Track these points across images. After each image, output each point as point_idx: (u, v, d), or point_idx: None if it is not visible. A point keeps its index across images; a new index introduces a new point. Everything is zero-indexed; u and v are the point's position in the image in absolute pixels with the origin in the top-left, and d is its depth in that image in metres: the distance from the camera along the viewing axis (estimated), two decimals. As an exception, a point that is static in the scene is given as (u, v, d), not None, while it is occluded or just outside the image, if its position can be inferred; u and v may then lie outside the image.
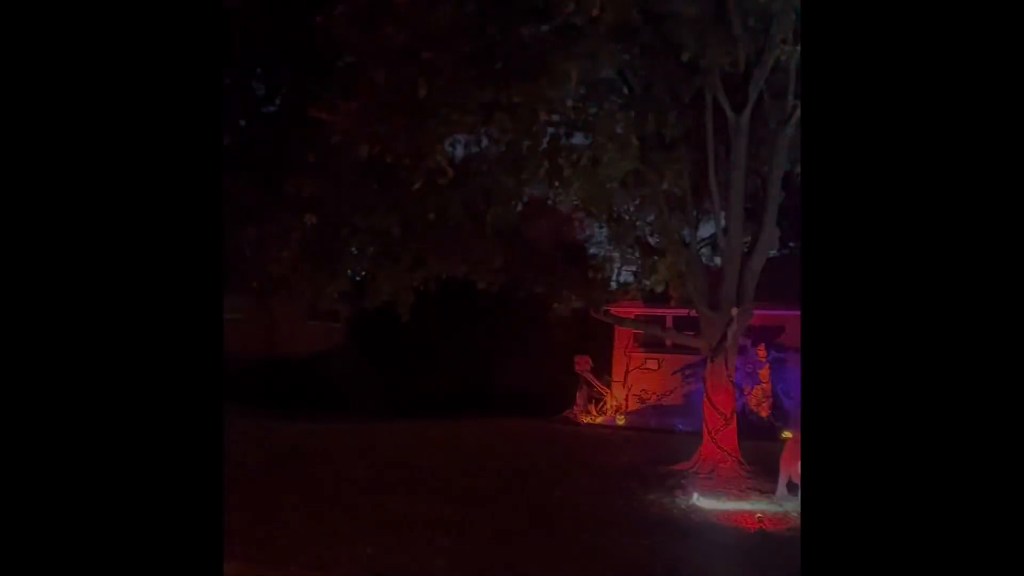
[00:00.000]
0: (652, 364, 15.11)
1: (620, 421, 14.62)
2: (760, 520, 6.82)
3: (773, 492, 7.98)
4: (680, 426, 13.05)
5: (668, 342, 14.08)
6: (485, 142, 8.90)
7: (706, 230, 11.24)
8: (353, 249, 9.33)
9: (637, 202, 10.26)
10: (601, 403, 15.15)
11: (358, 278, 10.42)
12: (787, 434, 9.82)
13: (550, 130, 8.92)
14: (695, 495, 7.57)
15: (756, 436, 10.93)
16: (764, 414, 13.14)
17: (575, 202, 9.36)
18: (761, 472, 8.73)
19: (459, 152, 8.99)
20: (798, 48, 8.43)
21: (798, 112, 8.89)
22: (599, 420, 14.75)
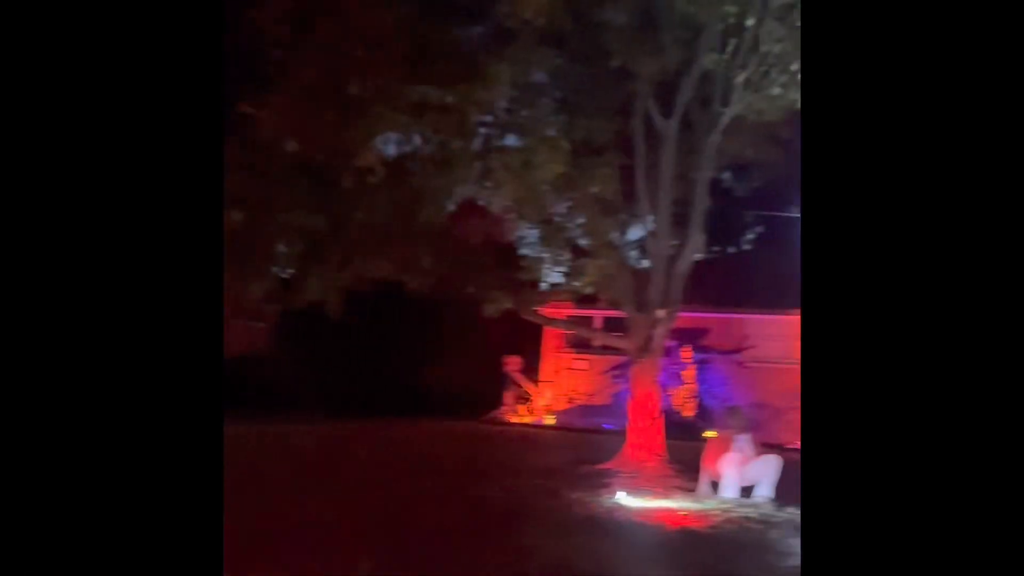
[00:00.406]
0: (581, 364, 15.32)
1: (548, 421, 14.75)
2: (682, 517, 6.98)
3: (695, 490, 8.18)
4: (607, 425, 13.25)
5: (597, 343, 14.29)
6: (417, 142, 8.88)
7: (635, 233, 11.44)
8: (280, 247, 9.18)
9: (568, 205, 10.37)
10: (530, 403, 15.26)
11: (285, 277, 10.25)
12: (709, 433, 10.07)
13: (482, 131, 8.96)
14: (620, 494, 7.69)
15: (680, 435, 11.18)
16: (688, 414, 13.45)
17: (507, 204, 9.41)
18: (685, 471, 8.94)
19: (390, 151, 8.94)
20: (724, 58, 8.68)
21: (724, 120, 9.14)
22: (527, 420, 14.86)
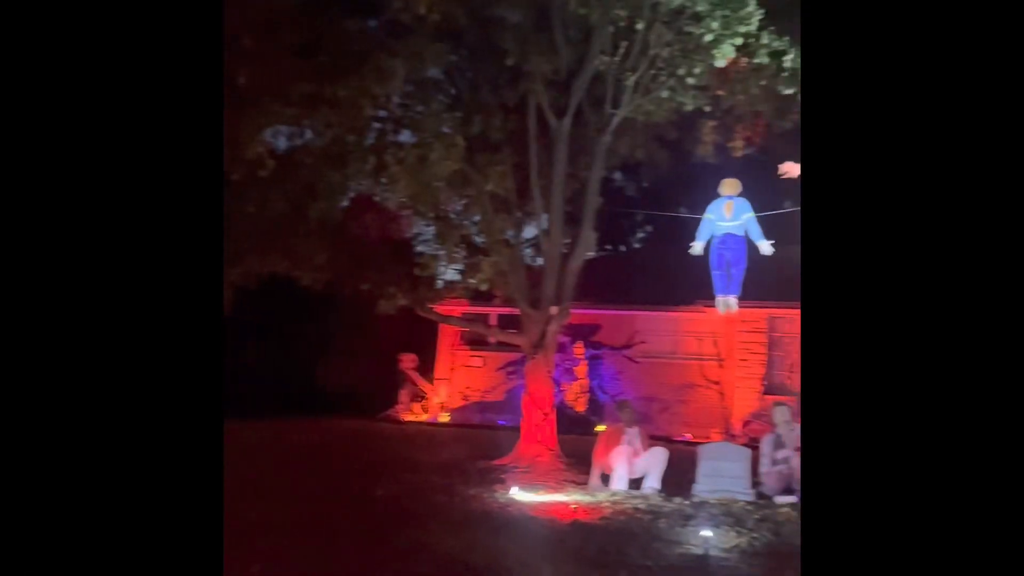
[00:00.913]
0: (476, 361, 15.35)
1: (444, 418, 14.73)
2: (574, 510, 7.12)
3: (587, 483, 8.36)
4: (502, 421, 13.34)
5: (492, 340, 14.36)
6: (309, 135, 8.69)
7: (529, 231, 11.58)
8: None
9: (463, 202, 10.39)
10: (425, 401, 15.20)
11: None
12: (600, 427, 10.30)
13: (376, 126, 8.86)
14: (513, 489, 7.78)
15: (573, 430, 11.39)
16: (580, 409, 13.70)
17: (402, 199, 9.34)
18: (577, 464, 9.11)
19: (281, 144, 8.72)
20: (615, 60, 8.88)
21: (615, 121, 9.36)
22: (423, 418, 14.80)
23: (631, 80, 8.80)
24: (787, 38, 7.61)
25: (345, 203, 9.65)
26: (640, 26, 8.35)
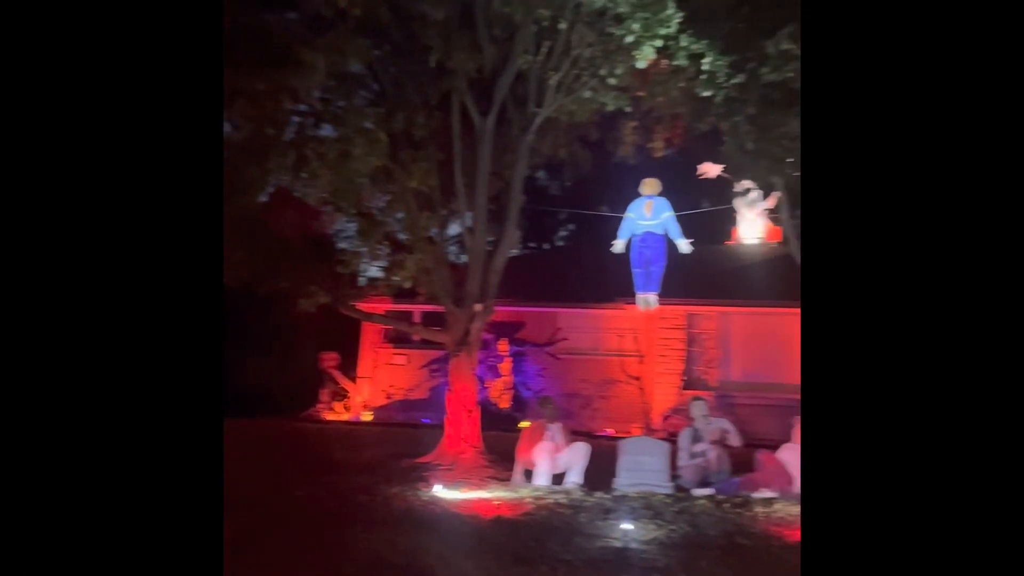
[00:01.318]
0: (399, 359, 15.24)
1: (366, 417, 14.58)
2: (497, 506, 7.16)
3: (510, 479, 8.40)
4: (425, 420, 13.29)
5: (415, 337, 14.28)
6: (227, 128, 8.47)
7: (453, 229, 11.56)
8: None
9: (387, 198, 10.30)
10: (347, 400, 15.01)
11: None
12: (524, 424, 10.38)
13: (296, 120, 8.70)
14: (436, 486, 7.76)
15: (497, 427, 11.43)
16: (504, 406, 13.76)
17: (323, 195, 9.20)
18: (500, 461, 9.15)
19: (197, 137, 8.46)
20: (539, 59, 8.95)
21: (538, 120, 9.43)
22: (345, 417, 14.61)
23: (554, 80, 8.88)
24: (705, 41, 7.81)
25: (264, 198, 9.44)
26: (563, 26, 8.44)
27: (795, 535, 6.22)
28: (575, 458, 8.32)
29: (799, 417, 8.70)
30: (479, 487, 8.10)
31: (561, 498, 7.44)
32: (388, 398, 15.11)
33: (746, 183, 11.78)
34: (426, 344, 13.83)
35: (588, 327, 14.73)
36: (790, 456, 8.27)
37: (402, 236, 10.54)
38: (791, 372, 13.75)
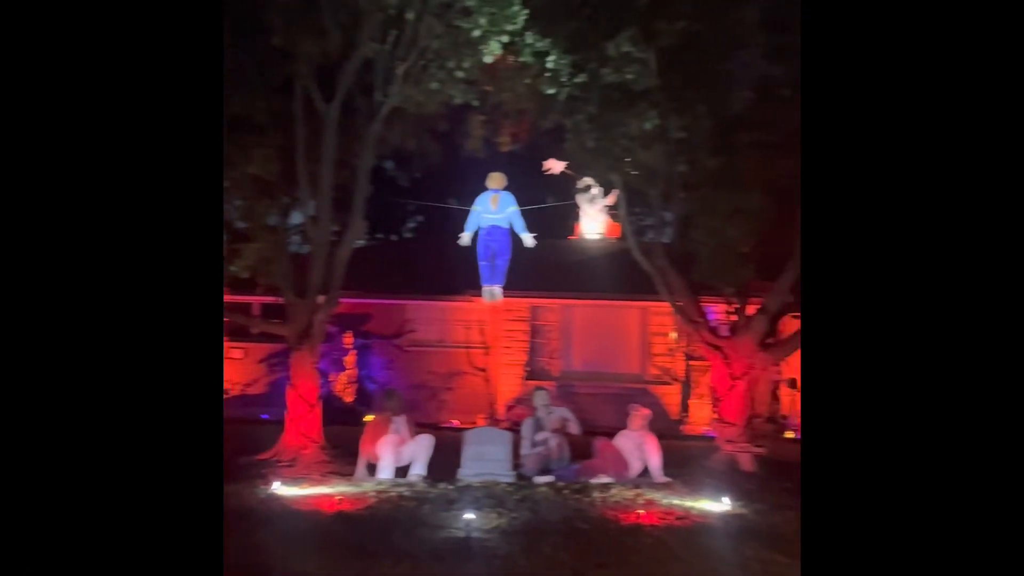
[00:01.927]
0: (237, 353, 14.61)
1: (201, 414, 13.90)
2: (339, 501, 7.03)
3: (352, 474, 8.28)
4: (265, 415, 12.84)
5: (254, 330, 13.75)
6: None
7: (296, 218, 11.20)
8: None
9: (224, 185, 9.83)
10: (180, 396, 14.26)
11: None
12: (368, 417, 10.24)
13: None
14: (276, 483, 7.53)
15: (341, 421, 11.21)
16: (349, 399, 13.53)
17: (153, 179, 8.63)
18: (343, 455, 8.99)
19: None
20: (386, 48, 8.83)
21: (385, 109, 9.30)
22: (178, 414, 13.87)
23: (401, 69, 8.78)
24: (549, 40, 7.98)
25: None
26: (410, 16, 8.36)
27: (630, 518, 6.53)
28: (419, 450, 8.31)
29: (635, 405, 9.12)
30: (320, 483, 7.93)
31: (404, 491, 7.42)
32: (225, 393, 14.48)
33: (587, 180, 12.15)
34: (266, 337, 13.35)
35: (435, 319, 14.73)
36: (626, 443, 8.66)
37: (240, 224, 10.11)
38: (628, 362, 14.38)
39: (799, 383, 14.04)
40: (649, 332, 14.21)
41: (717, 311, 11.55)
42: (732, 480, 8.41)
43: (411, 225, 23.73)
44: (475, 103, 9.49)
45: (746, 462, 9.27)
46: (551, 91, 8.36)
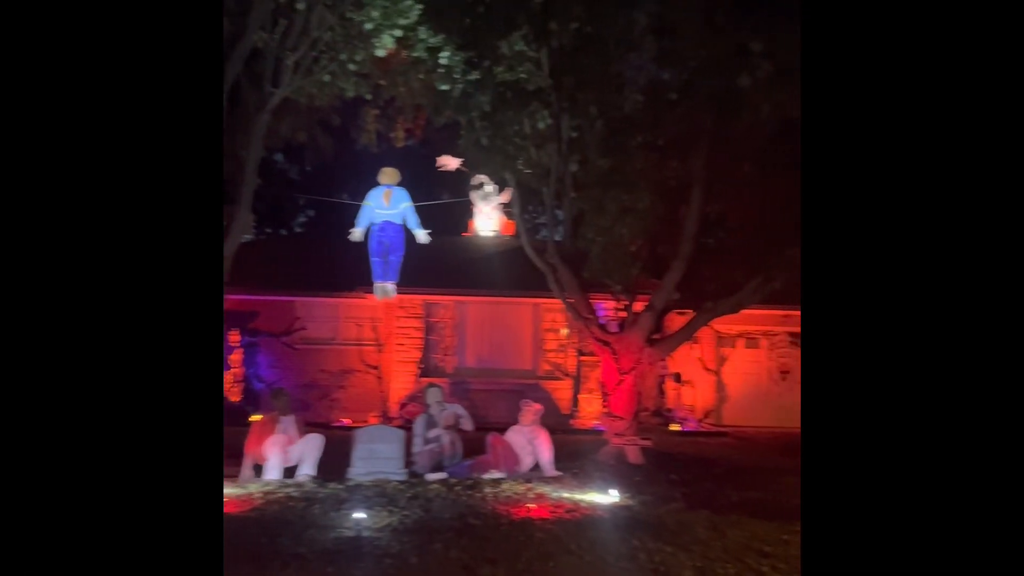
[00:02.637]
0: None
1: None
2: (224, 505, 6.81)
3: (238, 476, 8.03)
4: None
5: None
6: None
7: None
8: None
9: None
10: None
11: None
12: (255, 417, 9.95)
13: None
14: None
15: (227, 422, 10.83)
16: (235, 399, 13.12)
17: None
18: (227, 457, 8.68)
19: None
20: (275, 37, 8.58)
21: (274, 100, 9.04)
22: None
23: (291, 60, 8.57)
24: (442, 36, 7.97)
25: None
26: (301, 6, 8.17)
27: (521, 512, 6.61)
28: (308, 450, 8.14)
29: (527, 400, 9.23)
30: (204, 485, 7.63)
31: (293, 491, 7.25)
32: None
33: (482, 177, 12.21)
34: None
35: (327, 316, 14.46)
36: (517, 438, 8.75)
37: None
38: (521, 358, 14.54)
39: (683, 377, 14.57)
40: (541, 328, 14.40)
41: (607, 308, 11.85)
42: (620, 473, 8.64)
43: (301, 220, 23.20)
44: (368, 97, 9.37)
45: (633, 455, 9.54)
46: (445, 87, 8.35)
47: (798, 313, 14.81)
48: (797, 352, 15.45)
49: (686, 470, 9.11)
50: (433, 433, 8.54)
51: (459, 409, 8.99)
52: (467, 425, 8.87)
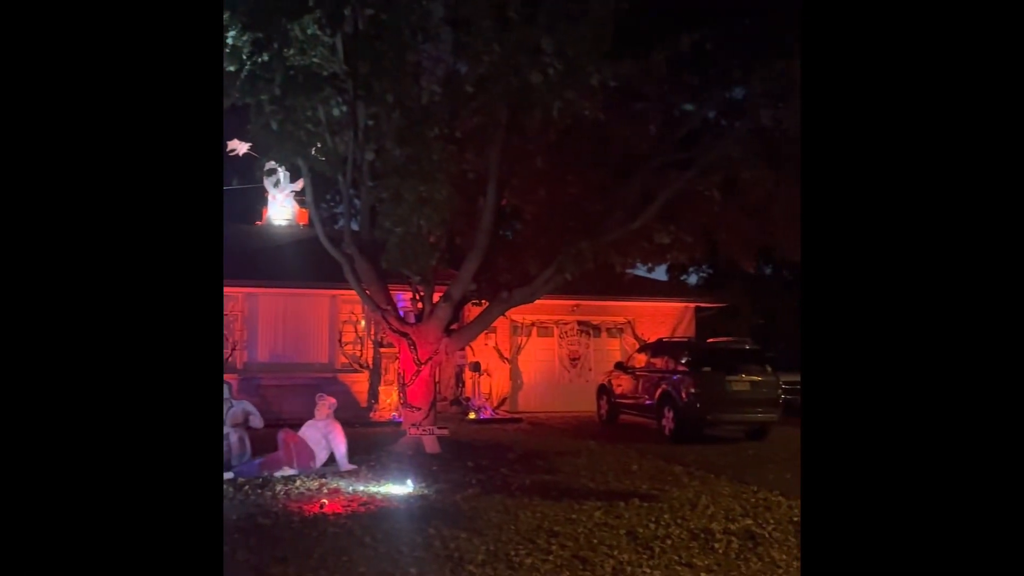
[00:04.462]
0: None
1: None
2: None
3: None
4: None
5: None
6: None
7: None
8: None
9: None
10: None
11: None
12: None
13: None
14: None
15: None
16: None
17: None
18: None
19: None
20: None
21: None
22: None
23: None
24: (228, 14, 7.53)
25: None
26: None
27: (313, 508, 6.44)
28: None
29: (322, 394, 9.01)
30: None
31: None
32: None
33: (273, 164, 11.74)
34: None
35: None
36: (312, 433, 8.52)
37: None
38: (318, 351, 14.17)
39: (482, 366, 14.88)
40: (338, 320, 14.13)
41: (405, 299, 11.82)
42: (417, 463, 8.67)
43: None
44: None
45: (430, 444, 9.60)
46: (231, 68, 7.91)
47: (587, 303, 15.61)
48: (586, 340, 16.27)
49: (482, 457, 9.31)
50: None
51: (248, 406, 8.61)
52: (256, 422, 8.52)
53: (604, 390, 14.20)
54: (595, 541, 5.55)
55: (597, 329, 16.36)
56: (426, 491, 7.22)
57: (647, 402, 12.39)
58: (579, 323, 16.22)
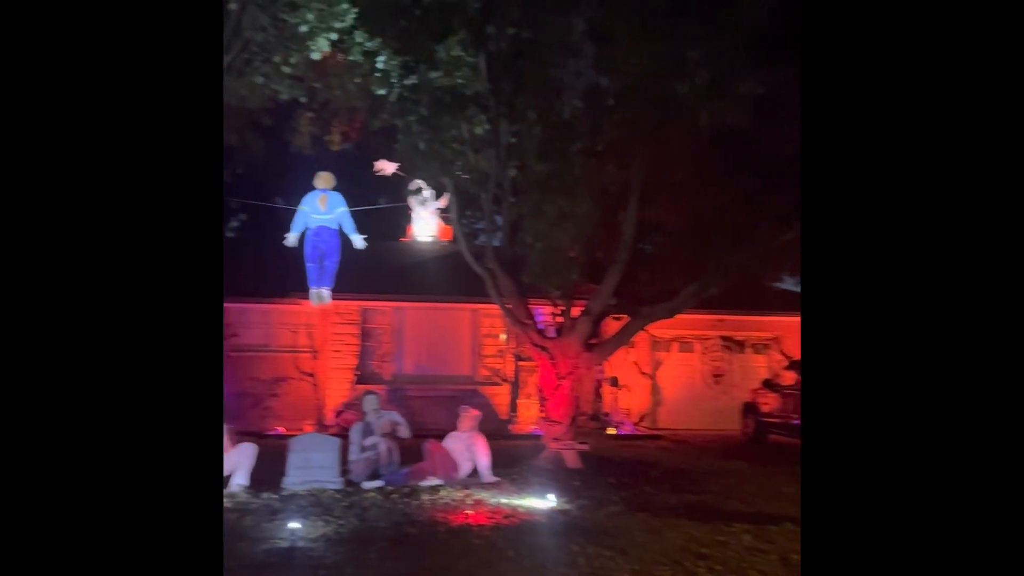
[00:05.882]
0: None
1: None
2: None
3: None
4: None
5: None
6: None
7: None
8: None
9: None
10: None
11: None
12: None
13: None
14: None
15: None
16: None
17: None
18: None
19: None
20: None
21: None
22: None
23: (224, 62, 8.37)
24: (379, 40, 7.87)
25: None
26: (233, 5, 7.98)
27: (458, 519, 6.55)
28: (241, 460, 7.93)
29: (465, 406, 9.17)
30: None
31: (226, 502, 7.04)
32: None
33: (419, 182, 12.14)
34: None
35: (260, 322, 14.15)
36: (455, 444, 8.69)
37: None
38: (459, 364, 14.48)
39: (619, 381, 14.72)
40: (480, 334, 14.37)
41: (544, 313, 11.88)
42: (558, 477, 8.65)
43: (233, 224, 22.66)
44: (303, 100, 9.21)
45: (571, 459, 9.57)
46: (381, 91, 8.25)
47: (731, 318, 15.14)
48: (729, 356, 15.77)
49: (623, 473, 9.19)
50: (370, 441, 8.41)
51: (396, 416, 8.89)
52: (404, 432, 8.77)
53: (750, 408, 13.71)
54: (745, 566, 5.33)
55: (741, 345, 15.84)
56: (568, 506, 7.18)
57: (797, 422, 11.85)
58: (722, 338, 15.76)
